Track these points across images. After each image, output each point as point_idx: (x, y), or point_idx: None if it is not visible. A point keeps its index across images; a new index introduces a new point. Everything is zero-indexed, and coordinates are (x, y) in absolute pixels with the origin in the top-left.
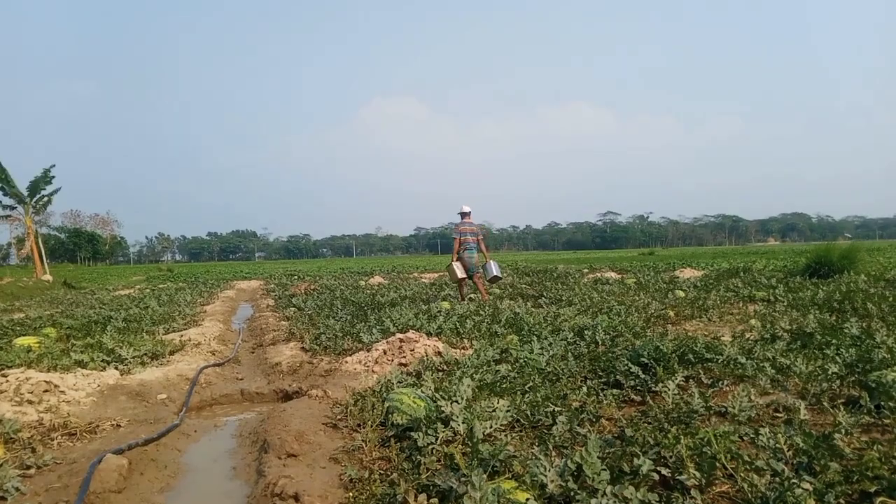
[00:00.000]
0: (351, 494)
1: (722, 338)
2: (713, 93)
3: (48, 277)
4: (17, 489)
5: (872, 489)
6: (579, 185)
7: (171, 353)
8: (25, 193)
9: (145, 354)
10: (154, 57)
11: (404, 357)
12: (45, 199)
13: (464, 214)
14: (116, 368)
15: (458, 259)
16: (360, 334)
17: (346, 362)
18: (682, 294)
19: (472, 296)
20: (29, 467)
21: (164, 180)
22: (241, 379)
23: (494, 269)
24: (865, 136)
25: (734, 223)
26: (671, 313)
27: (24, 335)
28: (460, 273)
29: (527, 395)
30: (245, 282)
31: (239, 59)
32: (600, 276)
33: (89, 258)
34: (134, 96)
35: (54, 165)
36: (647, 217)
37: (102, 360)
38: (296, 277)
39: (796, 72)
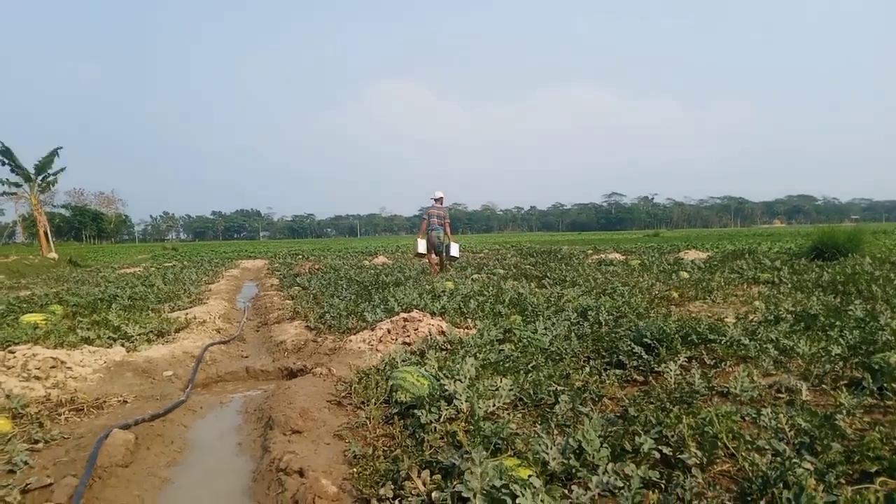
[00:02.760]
0: (355, 470)
1: (725, 319)
2: (719, 74)
3: (53, 255)
4: (26, 462)
5: (873, 469)
6: (584, 167)
7: (177, 330)
8: (32, 171)
9: (151, 332)
10: (159, 36)
11: (408, 336)
12: (51, 177)
13: (436, 199)
14: (123, 345)
15: (426, 237)
16: (365, 313)
17: (351, 341)
18: (686, 275)
19: (442, 274)
20: (37, 442)
21: (169, 159)
22: (247, 356)
23: (454, 251)
24: (875, 118)
25: (740, 205)
26: (675, 294)
27: (30, 312)
28: (421, 248)
29: (530, 375)
30: (250, 261)
31: (244, 38)
32: (604, 257)
33: (94, 236)
34: (139, 76)
35: (62, 147)
36: (652, 198)
37: (109, 337)
38: (300, 257)
39: (802, 51)
